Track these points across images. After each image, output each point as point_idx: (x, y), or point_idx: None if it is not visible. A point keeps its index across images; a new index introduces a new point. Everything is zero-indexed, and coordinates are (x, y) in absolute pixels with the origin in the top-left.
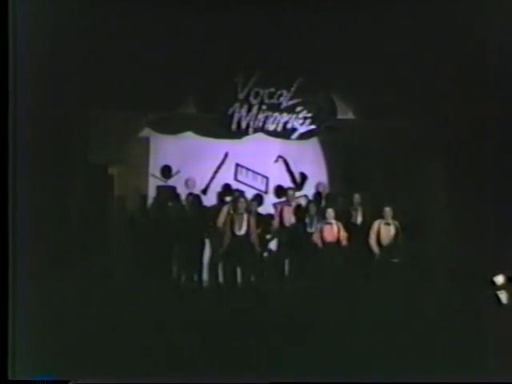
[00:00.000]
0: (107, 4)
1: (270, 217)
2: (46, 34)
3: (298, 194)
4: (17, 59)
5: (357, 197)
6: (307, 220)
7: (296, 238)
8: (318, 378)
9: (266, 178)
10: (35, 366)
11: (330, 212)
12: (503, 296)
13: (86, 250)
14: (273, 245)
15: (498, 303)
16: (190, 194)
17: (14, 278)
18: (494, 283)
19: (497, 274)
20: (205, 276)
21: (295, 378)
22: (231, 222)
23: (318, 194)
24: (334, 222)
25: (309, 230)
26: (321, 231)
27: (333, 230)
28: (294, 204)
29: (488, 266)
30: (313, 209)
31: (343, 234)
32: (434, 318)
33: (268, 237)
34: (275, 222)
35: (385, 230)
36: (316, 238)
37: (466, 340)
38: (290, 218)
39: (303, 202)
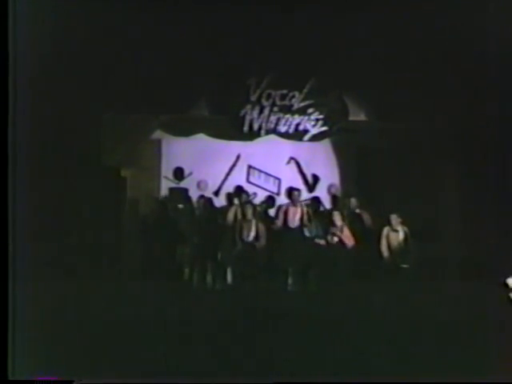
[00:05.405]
0: (118, 5)
1: (275, 218)
2: (54, 35)
3: (310, 195)
4: (17, 61)
5: (365, 199)
6: (312, 223)
7: (300, 239)
8: (326, 378)
9: (279, 179)
10: (35, 366)
11: (337, 215)
12: None
13: (98, 252)
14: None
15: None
16: (202, 196)
17: (14, 277)
18: (507, 285)
19: (509, 276)
20: (217, 278)
21: (302, 379)
22: (240, 228)
23: (334, 198)
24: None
25: (312, 233)
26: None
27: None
28: (299, 205)
29: (499, 267)
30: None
31: (348, 235)
32: (442, 321)
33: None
34: (278, 223)
35: (393, 235)
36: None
37: (477, 342)
38: (294, 220)
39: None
